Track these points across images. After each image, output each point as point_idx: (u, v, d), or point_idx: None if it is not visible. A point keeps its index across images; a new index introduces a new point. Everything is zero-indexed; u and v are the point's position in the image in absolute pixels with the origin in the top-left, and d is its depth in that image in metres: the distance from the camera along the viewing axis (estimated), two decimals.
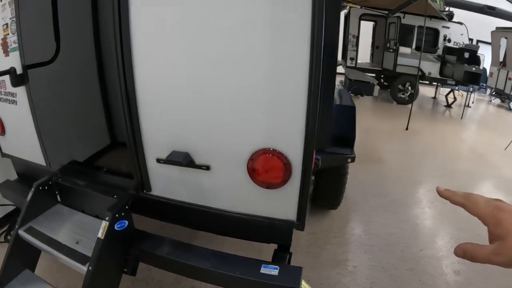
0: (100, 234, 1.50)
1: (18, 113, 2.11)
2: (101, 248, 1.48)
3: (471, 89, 9.04)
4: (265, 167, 1.36)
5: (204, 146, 1.46)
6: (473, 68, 7.80)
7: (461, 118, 8.09)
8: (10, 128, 2.31)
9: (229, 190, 1.50)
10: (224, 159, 1.45)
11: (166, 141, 1.51)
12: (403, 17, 8.51)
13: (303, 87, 1.24)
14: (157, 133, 1.53)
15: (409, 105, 7.08)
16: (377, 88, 6.03)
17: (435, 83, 9.57)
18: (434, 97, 10.40)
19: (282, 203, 1.44)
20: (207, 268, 1.50)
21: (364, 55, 10.81)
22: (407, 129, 6.48)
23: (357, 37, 9.53)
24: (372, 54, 11.00)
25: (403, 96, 8.80)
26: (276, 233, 1.56)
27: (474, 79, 7.95)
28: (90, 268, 1.49)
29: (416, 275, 2.53)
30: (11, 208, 3.23)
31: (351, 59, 9.59)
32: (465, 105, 8.54)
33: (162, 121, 1.51)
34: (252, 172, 1.39)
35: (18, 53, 1.92)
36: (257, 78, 1.29)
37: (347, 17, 9.57)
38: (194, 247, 1.64)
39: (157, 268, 1.82)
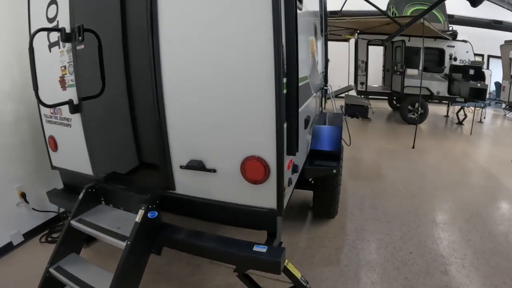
0: (137, 219, 2.18)
1: (72, 134, 2.87)
2: (138, 229, 2.14)
3: (482, 105, 9.38)
4: (252, 168, 2.01)
5: (212, 155, 2.14)
6: (478, 84, 8.25)
7: (470, 134, 8.48)
8: (62, 146, 3.08)
9: (229, 186, 2.14)
10: (225, 164, 2.11)
11: (186, 153, 2.21)
12: (408, 40, 9.12)
13: (272, 116, 1.91)
14: (180, 148, 2.23)
15: (419, 125, 7.53)
16: (371, 110, 6.65)
17: (445, 102, 9.99)
18: (447, 115, 10.81)
19: (265, 195, 2.06)
20: (212, 247, 2.15)
21: (376, 79, 11.42)
22: (413, 147, 6.95)
23: (366, 62, 10.18)
24: (383, 77, 11.61)
25: (413, 116, 9.24)
26: (264, 220, 2.18)
27: (479, 94, 8.36)
28: (128, 243, 2.12)
29: (402, 274, 2.94)
30: (52, 215, 4.02)
31: (361, 83, 10.24)
32: (473, 121, 8.91)
33: (183, 140, 2.21)
34: (244, 172, 2.04)
35: (74, 89, 2.69)
36: (245, 112, 1.99)
37: (356, 43, 10.26)
38: (203, 233, 2.30)
39: (175, 250, 2.43)
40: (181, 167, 2.24)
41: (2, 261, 3.39)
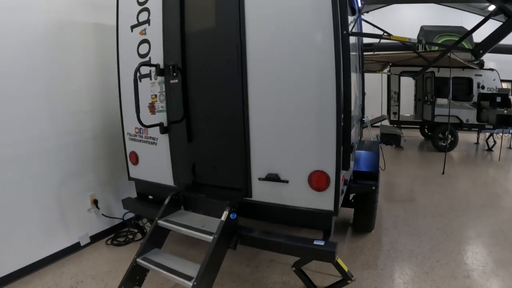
0: (223, 217, 2.86)
1: (157, 151, 3.61)
2: (223, 226, 2.82)
3: (510, 131, 9.85)
4: (317, 179, 2.75)
5: (286, 169, 2.88)
6: (505, 111, 8.82)
7: (499, 160, 8.99)
8: (143, 160, 3.82)
9: (297, 193, 2.86)
10: (296, 176, 2.84)
11: (263, 168, 2.97)
12: (438, 71, 9.78)
13: (334, 142, 2.66)
14: (259, 164, 2.99)
15: (450, 152, 8.09)
16: (403, 138, 7.34)
17: (475, 129, 10.46)
18: (477, 142, 11.30)
19: (325, 200, 2.77)
20: (282, 242, 2.84)
21: (408, 108, 12.02)
22: (443, 173, 7.51)
23: (398, 93, 10.80)
24: (415, 107, 12.23)
25: (443, 144, 9.70)
26: (322, 220, 2.88)
27: (507, 121, 8.92)
28: (215, 236, 2.78)
29: (430, 277, 3.50)
30: (117, 221, 4.73)
31: (394, 113, 10.90)
32: (501, 147, 9.38)
33: (262, 157, 2.97)
34: (310, 182, 2.77)
35: (163, 114, 3.44)
36: (314, 138, 2.74)
37: (388, 75, 10.96)
38: (273, 231, 3.00)
39: (235, 254, 3.14)
40: (259, 179, 2.98)
41: (71, 259, 4.06)
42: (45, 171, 3.89)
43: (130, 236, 4.58)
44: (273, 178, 2.90)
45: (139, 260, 3.02)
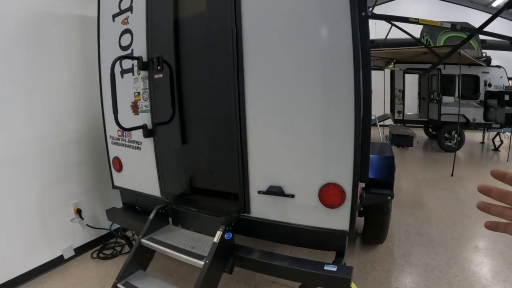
0: (216, 239, 2.39)
1: (141, 156, 3.13)
2: (216, 249, 2.35)
3: None
4: (329, 194, 2.24)
5: (291, 182, 2.37)
6: None
7: (507, 160, 8.58)
8: (128, 167, 3.33)
9: (306, 210, 2.36)
10: (304, 190, 2.34)
11: (264, 180, 2.46)
12: (444, 68, 9.32)
13: (351, 148, 2.15)
14: (259, 175, 2.48)
15: (456, 152, 7.67)
16: (415, 140, 6.84)
17: (481, 128, 10.09)
18: (482, 142, 10.87)
19: (339, 218, 2.27)
20: (286, 266, 2.35)
21: (412, 107, 11.59)
22: (452, 175, 7.09)
23: (403, 91, 10.39)
24: (419, 106, 11.80)
25: (450, 144, 9.42)
26: (335, 241, 2.39)
27: None
28: (207, 261, 2.32)
29: None
30: (104, 232, 4.28)
31: (398, 112, 10.46)
32: (509, 147, 8.95)
33: (263, 168, 2.46)
34: (321, 197, 2.26)
35: (147, 114, 2.95)
36: (326, 145, 2.24)
37: (392, 72, 10.51)
38: (275, 253, 2.51)
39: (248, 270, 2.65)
40: (259, 192, 2.48)
41: (53, 274, 3.62)
42: (24, 177, 3.44)
43: (118, 248, 4.14)
44: (275, 192, 2.39)
45: (119, 285, 2.57)
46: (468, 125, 9.67)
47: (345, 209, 2.25)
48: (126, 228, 3.78)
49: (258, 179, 2.49)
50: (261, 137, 2.42)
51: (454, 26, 4.13)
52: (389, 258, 3.83)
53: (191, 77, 2.76)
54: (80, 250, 4.04)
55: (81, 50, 3.97)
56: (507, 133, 9.71)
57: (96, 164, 4.17)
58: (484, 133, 10.66)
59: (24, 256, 3.47)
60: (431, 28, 9.38)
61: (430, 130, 11.60)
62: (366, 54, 2.12)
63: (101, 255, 4.03)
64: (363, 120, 2.16)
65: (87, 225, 4.09)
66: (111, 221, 3.78)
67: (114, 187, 3.56)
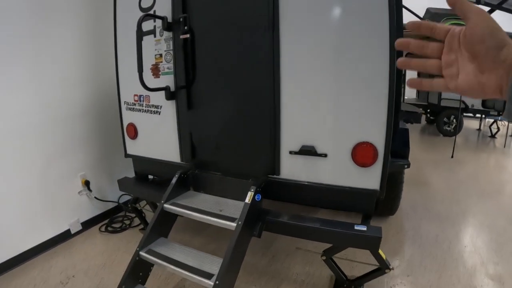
0: (247, 199, 2.38)
1: (159, 121, 3.06)
2: (248, 210, 2.34)
3: None
4: (362, 153, 2.26)
5: (324, 141, 2.38)
6: None
7: (504, 147, 8.78)
8: (143, 134, 3.25)
9: (338, 169, 2.37)
10: (337, 149, 2.35)
11: (296, 139, 2.45)
12: None
13: (385, 106, 2.16)
14: (291, 134, 2.47)
15: (453, 137, 7.86)
16: (423, 116, 6.91)
17: (479, 115, 10.25)
18: (479, 129, 11.06)
19: (371, 177, 2.30)
20: (317, 227, 2.37)
21: (410, 91, 11.66)
22: (452, 157, 7.24)
23: (404, 75, 10.43)
24: (418, 90, 11.83)
25: (448, 128, 9.61)
26: (364, 201, 2.42)
27: None
28: (239, 223, 2.29)
29: (460, 263, 3.22)
30: (111, 205, 4.23)
31: None
32: (506, 135, 9.24)
33: (295, 126, 2.45)
34: (354, 156, 2.29)
35: (170, 77, 2.89)
36: (360, 103, 2.24)
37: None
38: (304, 216, 2.53)
39: (277, 233, 2.65)
40: (290, 152, 2.48)
41: (60, 249, 3.54)
42: (29, 148, 3.31)
43: (127, 222, 4.11)
44: (308, 151, 2.40)
45: (142, 253, 2.51)
46: (467, 110, 9.81)
47: (377, 168, 2.27)
48: (136, 200, 3.70)
49: (290, 140, 2.48)
50: (294, 96, 2.41)
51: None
52: (400, 230, 3.92)
53: (219, 37, 2.69)
54: (87, 224, 3.98)
55: (92, 19, 3.86)
56: (504, 121, 9.85)
57: (104, 134, 4.10)
58: (481, 120, 10.83)
59: (29, 231, 3.36)
60: (432, 14, 9.41)
61: (428, 115, 11.71)
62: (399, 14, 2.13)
63: (109, 228, 3.98)
64: (397, 78, 2.17)
65: (95, 197, 4.03)
66: (123, 191, 3.71)
67: (127, 155, 3.48)
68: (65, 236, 3.73)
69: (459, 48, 0.61)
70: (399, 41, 0.68)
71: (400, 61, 0.70)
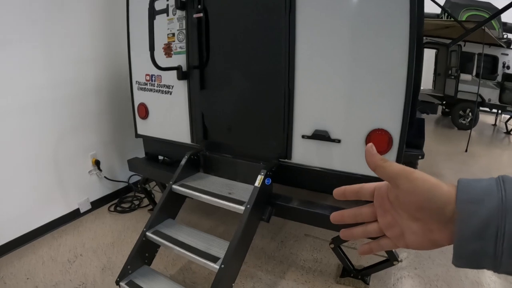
0: (257, 183, 2.35)
1: (171, 101, 3.03)
2: (257, 193, 2.31)
3: None
4: (377, 140, 2.20)
5: (338, 126, 2.33)
6: None
7: None
8: (154, 114, 3.23)
9: (351, 156, 2.32)
10: (351, 135, 2.30)
11: (309, 123, 2.40)
12: (464, 45, 9.15)
13: (402, 94, 2.10)
14: (304, 117, 2.42)
15: (468, 131, 7.70)
16: (440, 107, 6.77)
17: (495, 110, 10.00)
18: (495, 124, 10.82)
19: None
20: (327, 215, 2.31)
21: (426, 82, 11.42)
22: (466, 151, 7.10)
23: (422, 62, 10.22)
24: (434, 81, 11.59)
25: (463, 121, 9.36)
26: None
27: None
28: (248, 206, 2.27)
29: None
30: (121, 185, 4.25)
31: None
32: None
33: (309, 110, 2.39)
34: (369, 143, 2.22)
35: (183, 56, 2.85)
36: (377, 89, 2.18)
37: None
38: (314, 202, 2.48)
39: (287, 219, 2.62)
40: (303, 136, 2.43)
41: (69, 228, 3.57)
42: (40, 126, 3.31)
43: (136, 202, 4.14)
44: (321, 136, 2.35)
45: (149, 233, 2.51)
46: (484, 105, 9.58)
47: (391, 157, 2.21)
48: (146, 180, 3.70)
49: (303, 123, 2.43)
50: (309, 79, 2.35)
51: None
52: None
53: (233, 17, 2.64)
54: (97, 204, 4.01)
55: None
56: None
57: (115, 114, 4.10)
58: (497, 115, 10.56)
59: (39, 209, 3.40)
60: (452, 4, 9.18)
61: (444, 107, 11.50)
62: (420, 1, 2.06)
63: (118, 208, 4.01)
64: (416, 64, 2.10)
65: (105, 177, 4.05)
66: (133, 172, 3.72)
67: (138, 135, 3.46)
68: (75, 215, 3.77)
69: (392, 208, 0.55)
70: (332, 216, 0.63)
71: (342, 233, 0.64)
